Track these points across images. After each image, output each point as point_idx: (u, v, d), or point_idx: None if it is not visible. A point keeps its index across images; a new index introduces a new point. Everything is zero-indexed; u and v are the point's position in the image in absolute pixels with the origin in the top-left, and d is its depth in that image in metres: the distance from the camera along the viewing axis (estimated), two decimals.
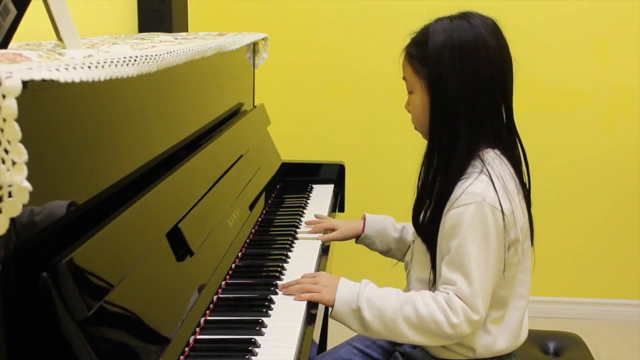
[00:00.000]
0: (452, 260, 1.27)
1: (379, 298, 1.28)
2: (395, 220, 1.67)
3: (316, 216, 1.80)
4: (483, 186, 1.27)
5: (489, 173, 1.28)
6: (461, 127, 1.29)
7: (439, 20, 1.33)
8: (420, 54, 1.32)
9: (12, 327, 0.79)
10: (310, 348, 1.18)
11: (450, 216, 1.28)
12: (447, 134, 1.31)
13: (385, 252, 1.66)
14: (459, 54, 1.28)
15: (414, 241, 1.43)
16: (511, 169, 1.33)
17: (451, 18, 1.32)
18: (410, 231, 1.61)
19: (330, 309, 1.32)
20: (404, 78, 1.38)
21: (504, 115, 1.35)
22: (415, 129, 1.40)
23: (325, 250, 1.64)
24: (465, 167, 1.30)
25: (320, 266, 1.54)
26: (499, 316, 1.33)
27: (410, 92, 1.37)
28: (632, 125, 2.76)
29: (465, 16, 1.32)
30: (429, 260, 1.35)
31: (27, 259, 0.82)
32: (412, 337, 1.27)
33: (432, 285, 1.34)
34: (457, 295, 1.24)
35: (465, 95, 1.28)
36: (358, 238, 1.67)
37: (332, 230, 1.69)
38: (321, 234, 1.69)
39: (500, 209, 1.26)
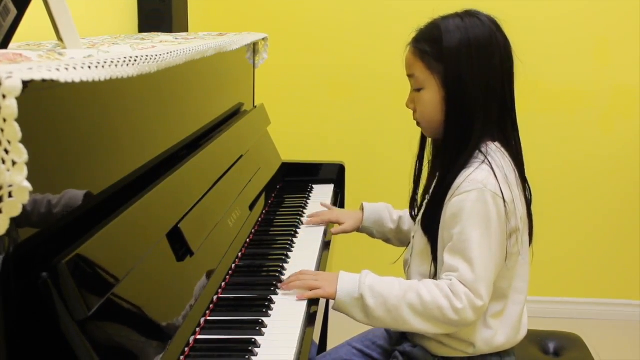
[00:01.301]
0: (454, 247, 1.27)
1: (381, 284, 1.28)
2: (393, 207, 1.69)
3: (322, 205, 1.83)
4: (484, 174, 1.28)
5: (490, 163, 1.29)
6: (475, 123, 1.30)
7: (448, 17, 1.33)
8: (434, 51, 1.32)
9: (12, 327, 0.79)
10: (310, 348, 1.18)
11: (452, 204, 1.29)
12: (461, 129, 1.32)
13: (385, 241, 1.70)
14: (476, 52, 1.29)
15: (413, 237, 1.44)
16: (511, 162, 1.34)
17: (460, 15, 1.33)
18: (406, 221, 1.62)
19: (332, 302, 1.31)
20: (410, 75, 1.37)
21: (510, 111, 1.36)
22: (418, 125, 1.40)
23: (326, 245, 1.65)
24: (469, 159, 1.31)
25: (322, 263, 1.54)
26: (499, 310, 1.33)
27: (418, 89, 1.36)
28: (631, 125, 2.76)
29: (472, 14, 1.33)
30: (429, 253, 1.36)
31: (27, 259, 0.82)
32: (416, 324, 1.26)
33: (433, 278, 1.34)
34: (459, 281, 1.24)
35: (481, 92, 1.30)
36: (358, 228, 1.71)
37: (337, 223, 1.71)
38: (324, 226, 1.71)
39: (501, 196, 1.27)
